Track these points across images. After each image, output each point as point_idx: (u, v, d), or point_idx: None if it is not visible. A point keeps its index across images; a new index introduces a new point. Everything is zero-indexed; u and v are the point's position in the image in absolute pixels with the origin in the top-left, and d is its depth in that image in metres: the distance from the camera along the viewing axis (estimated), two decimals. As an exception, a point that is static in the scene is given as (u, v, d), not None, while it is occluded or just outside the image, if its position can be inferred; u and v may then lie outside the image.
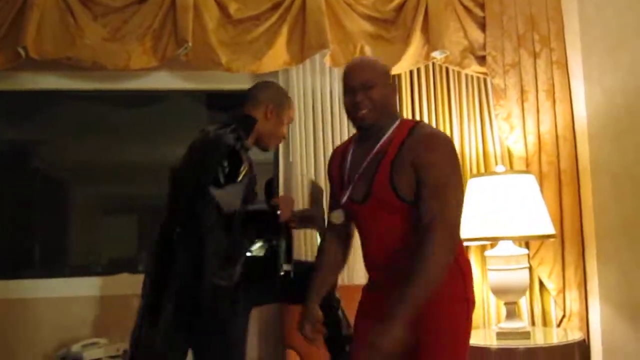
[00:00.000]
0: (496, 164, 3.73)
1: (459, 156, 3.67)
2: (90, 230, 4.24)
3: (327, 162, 2.42)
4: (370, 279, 2.28)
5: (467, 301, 2.13)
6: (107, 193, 4.31)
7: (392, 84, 2.27)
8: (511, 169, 3.72)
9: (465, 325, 2.12)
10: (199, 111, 4.24)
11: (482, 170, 3.74)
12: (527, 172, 3.56)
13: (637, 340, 3.48)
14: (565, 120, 3.80)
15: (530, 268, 3.57)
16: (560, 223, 3.69)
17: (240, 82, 3.70)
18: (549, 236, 3.41)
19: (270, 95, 2.74)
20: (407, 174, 2.05)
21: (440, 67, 3.78)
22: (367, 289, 2.27)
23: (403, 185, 2.05)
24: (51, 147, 4.13)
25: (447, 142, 2.13)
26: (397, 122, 2.18)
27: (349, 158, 2.24)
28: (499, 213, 3.33)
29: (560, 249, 3.68)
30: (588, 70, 3.76)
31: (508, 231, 3.31)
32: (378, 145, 2.14)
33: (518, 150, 3.75)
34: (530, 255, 3.64)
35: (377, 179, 2.09)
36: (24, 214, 4.02)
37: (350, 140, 2.33)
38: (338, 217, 2.29)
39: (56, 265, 4.03)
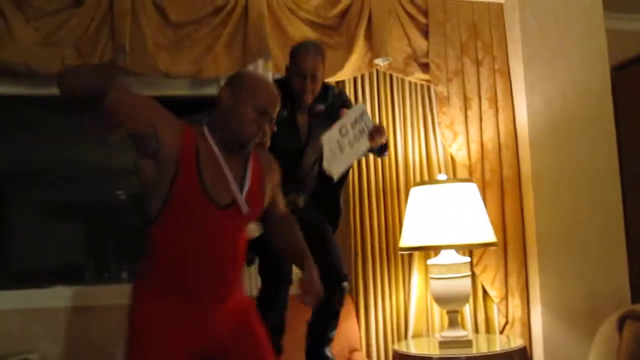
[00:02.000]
0: (439, 171, 3.73)
1: (402, 164, 3.69)
2: (31, 239, 4.10)
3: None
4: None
5: None
6: (47, 199, 4.17)
7: None
8: (454, 176, 3.73)
9: None
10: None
11: (426, 177, 3.73)
12: (469, 180, 3.57)
13: (577, 345, 3.54)
14: (507, 128, 3.83)
15: (473, 276, 3.58)
16: (502, 230, 3.71)
17: (180, 88, 3.63)
18: (491, 244, 3.42)
19: None
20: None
21: (384, 74, 3.76)
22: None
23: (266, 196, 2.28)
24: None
25: None
26: None
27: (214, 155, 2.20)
28: (441, 222, 3.32)
29: (503, 257, 3.71)
30: (529, 79, 3.79)
31: (450, 239, 3.31)
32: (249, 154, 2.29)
33: (461, 157, 3.76)
34: (474, 263, 3.65)
35: (251, 187, 2.23)
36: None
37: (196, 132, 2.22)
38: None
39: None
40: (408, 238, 3.42)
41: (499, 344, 3.48)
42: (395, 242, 3.60)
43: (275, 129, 2.23)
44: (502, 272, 3.69)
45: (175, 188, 2.00)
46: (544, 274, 3.66)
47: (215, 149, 2.11)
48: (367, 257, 3.59)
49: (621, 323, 2.83)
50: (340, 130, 2.77)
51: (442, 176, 3.56)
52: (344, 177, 3.05)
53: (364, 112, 2.82)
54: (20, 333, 3.40)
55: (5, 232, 3.97)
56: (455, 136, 3.76)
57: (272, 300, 2.93)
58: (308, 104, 2.89)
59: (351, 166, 3.25)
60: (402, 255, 3.65)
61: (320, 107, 2.93)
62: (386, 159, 3.67)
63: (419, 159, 3.75)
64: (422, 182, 3.59)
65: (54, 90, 3.56)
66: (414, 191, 3.48)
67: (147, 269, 2.08)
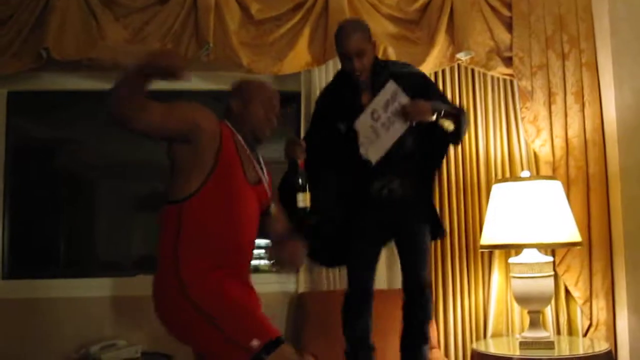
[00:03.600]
0: (522, 168, 3.64)
1: (484, 160, 3.62)
2: (117, 229, 4.24)
3: None
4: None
5: None
6: (133, 192, 4.30)
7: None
8: (537, 173, 3.64)
9: None
10: (221, 112, 4.20)
11: (508, 174, 3.65)
12: (553, 177, 3.46)
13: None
14: (594, 123, 3.69)
15: (555, 276, 3.48)
16: (587, 229, 3.59)
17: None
18: (575, 243, 3.32)
19: None
20: None
21: (466, 68, 3.71)
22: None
23: None
24: (75, 146, 4.14)
25: None
26: None
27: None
28: (524, 220, 3.25)
29: (588, 257, 3.59)
30: (618, 73, 3.64)
31: (533, 238, 3.23)
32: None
33: (545, 154, 3.66)
34: (556, 263, 3.55)
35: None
36: (50, 213, 4.03)
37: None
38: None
39: (82, 264, 4.03)
40: (489, 236, 3.36)
41: (582, 347, 3.38)
42: (476, 239, 3.54)
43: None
44: (586, 273, 3.57)
45: (221, 161, 2.27)
46: (631, 276, 3.52)
47: (241, 140, 2.41)
48: (446, 254, 3.56)
49: None
50: (372, 115, 2.76)
51: (525, 173, 3.47)
52: (431, 176, 3.03)
53: (396, 91, 2.74)
54: (108, 320, 3.55)
55: (94, 222, 4.13)
56: (538, 132, 3.67)
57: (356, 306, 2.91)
58: (366, 81, 2.85)
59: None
60: (482, 253, 3.59)
61: (381, 78, 2.84)
62: (467, 155, 3.61)
63: (501, 155, 3.68)
64: (505, 179, 3.51)
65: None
66: (496, 188, 3.41)
67: (184, 246, 2.22)
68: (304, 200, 2.65)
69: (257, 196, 2.42)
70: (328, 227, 2.93)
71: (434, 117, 2.73)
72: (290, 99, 3.73)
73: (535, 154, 3.69)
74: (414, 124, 2.75)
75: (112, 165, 4.07)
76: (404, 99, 2.73)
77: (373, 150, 2.79)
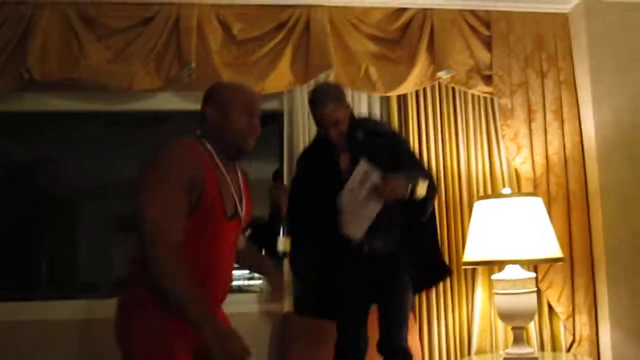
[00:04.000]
0: (503, 185, 3.67)
1: (465, 177, 3.64)
2: (98, 250, 4.21)
3: None
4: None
5: None
6: (113, 213, 4.28)
7: None
8: (519, 190, 3.67)
9: None
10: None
11: (489, 191, 3.68)
12: (534, 194, 3.49)
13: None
14: (573, 140, 3.74)
15: (538, 292, 3.50)
16: (569, 246, 3.62)
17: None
18: (557, 259, 3.34)
19: None
20: None
21: (446, 87, 3.74)
22: None
23: None
24: (56, 167, 4.12)
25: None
26: None
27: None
28: (506, 236, 3.27)
29: (570, 272, 3.62)
30: (596, 90, 3.70)
31: (515, 254, 3.25)
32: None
33: (525, 171, 3.69)
34: (539, 279, 3.57)
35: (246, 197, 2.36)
36: (30, 234, 4.00)
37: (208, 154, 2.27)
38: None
39: (63, 285, 3.99)
40: (472, 252, 3.37)
41: (566, 363, 3.39)
42: (459, 256, 3.55)
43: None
44: (568, 289, 3.60)
45: (203, 202, 2.06)
46: (614, 292, 3.55)
47: (219, 162, 2.18)
48: (429, 272, 3.56)
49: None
50: (351, 191, 2.77)
51: (506, 190, 3.50)
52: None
53: (368, 170, 2.75)
54: (86, 343, 3.49)
55: (75, 243, 4.10)
56: (519, 149, 3.70)
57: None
58: (342, 143, 2.87)
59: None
60: (465, 270, 3.60)
61: (358, 135, 2.89)
62: (449, 172, 3.64)
63: (483, 172, 3.70)
64: (486, 196, 3.53)
65: (122, 106, 3.73)
66: (478, 205, 3.44)
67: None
68: (284, 244, 2.69)
69: (234, 228, 2.23)
70: (310, 282, 3.00)
71: (409, 190, 2.73)
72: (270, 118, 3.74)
73: (516, 171, 3.73)
74: (387, 202, 2.75)
75: (93, 185, 4.05)
76: (376, 177, 2.74)
77: (354, 228, 2.80)
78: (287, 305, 3.49)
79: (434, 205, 3.04)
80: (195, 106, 3.71)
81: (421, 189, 2.73)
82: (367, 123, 3.07)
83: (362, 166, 2.78)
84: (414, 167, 2.91)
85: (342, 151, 2.90)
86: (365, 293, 2.90)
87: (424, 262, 3.00)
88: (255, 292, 3.78)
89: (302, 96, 3.62)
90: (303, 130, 3.57)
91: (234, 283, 4.26)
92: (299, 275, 3.09)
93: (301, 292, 3.17)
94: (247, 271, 4.07)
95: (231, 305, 3.70)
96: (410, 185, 2.71)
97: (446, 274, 3.15)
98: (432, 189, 2.86)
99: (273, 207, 2.72)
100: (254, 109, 2.26)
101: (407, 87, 3.62)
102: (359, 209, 2.77)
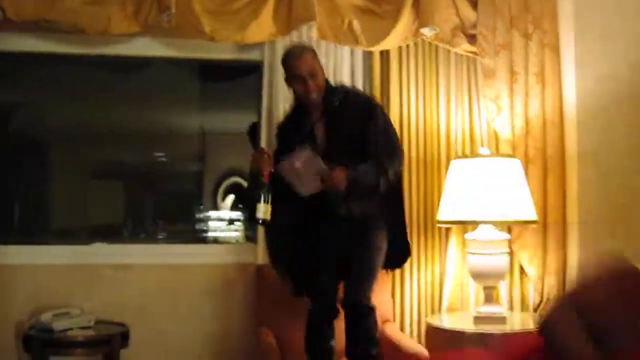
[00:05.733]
0: (482, 145, 3.67)
1: (445, 136, 3.63)
2: (72, 196, 4.18)
3: None
4: None
5: None
6: (88, 158, 4.24)
7: None
8: (497, 151, 3.67)
9: None
10: (183, 79, 4.15)
11: (468, 151, 3.68)
12: (512, 156, 3.50)
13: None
14: (554, 105, 3.73)
15: (511, 253, 3.53)
16: (544, 209, 3.64)
17: (224, 52, 3.63)
18: (531, 222, 3.37)
19: None
20: None
21: (430, 45, 3.70)
22: None
23: None
24: (30, 110, 4.04)
25: None
26: None
27: None
28: (482, 196, 3.28)
29: (543, 235, 3.64)
30: (580, 55, 3.68)
31: (490, 215, 3.27)
32: None
33: (505, 133, 3.69)
34: (512, 240, 3.60)
35: None
36: (3, 178, 3.94)
37: None
38: None
39: (36, 231, 3.97)
40: (446, 212, 3.39)
41: (533, 322, 3.44)
42: (434, 215, 3.56)
43: None
44: (540, 251, 3.63)
45: None
46: (584, 255, 3.58)
47: None
48: (404, 229, 3.57)
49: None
50: (293, 163, 2.77)
51: (484, 150, 3.50)
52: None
53: (310, 155, 2.77)
54: (61, 288, 3.49)
55: (49, 190, 4.05)
56: (499, 110, 3.69)
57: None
58: (319, 102, 2.88)
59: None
60: (439, 228, 3.62)
61: (334, 100, 2.90)
62: (428, 130, 3.63)
63: (462, 133, 3.70)
64: (464, 156, 3.53)
65: (99, 50, 3.64)
66: (455, 164, 3.44)
67: None
68: (264, 212, 2.71)
69: None
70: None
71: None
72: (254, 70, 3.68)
73: (495, 132, 3.72)
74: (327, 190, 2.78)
75: (69, 129, 4.00)
76: (318, 163, 2.76)
77: (308, 189, 2.80)
78: (260, 259, 3.50)
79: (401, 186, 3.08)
80: (174, 53, 3.72)
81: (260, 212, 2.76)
82: (343, 90, 3.04)
83: (305, 150, 2.78)
84: (381, 150, 2.90)
85: (317, 121, 2.91)
86: (335, 255, 2.93)
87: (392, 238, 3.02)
88: (230, 243, 3.78)
89: (283, 48, 3.56)
90: (283, 83, 3.50)
91: (210, 234, 4.27)
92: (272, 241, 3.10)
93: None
94: (222, 223, 4.07)
95: (206, 257, 3.77)
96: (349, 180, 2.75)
97: (407, 257, 3.17)
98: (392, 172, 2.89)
99: (253, 173, 2.72)
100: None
101: (391, 42, 3.57)
102: (303, 178, 2.78)
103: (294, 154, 2.78)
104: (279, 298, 3.33)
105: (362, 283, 2.87)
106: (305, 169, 2.76)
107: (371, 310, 2.85)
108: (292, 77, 2.88)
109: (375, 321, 2.87)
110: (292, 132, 2.99)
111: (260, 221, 2.73)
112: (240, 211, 3.06)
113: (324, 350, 2.90)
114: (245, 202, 2.82)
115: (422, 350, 3.08)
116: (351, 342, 2.84)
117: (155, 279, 3.59)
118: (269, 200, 2.72)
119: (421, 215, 3.58)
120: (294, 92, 2.94)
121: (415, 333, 3.58)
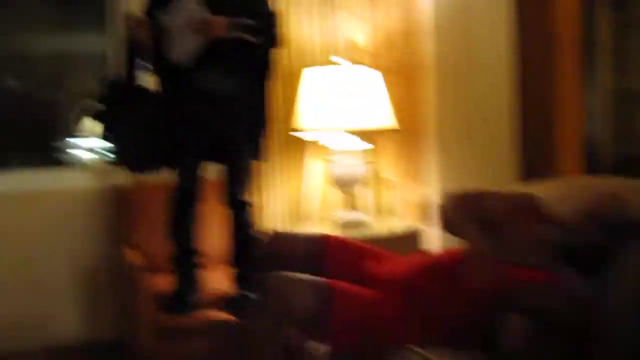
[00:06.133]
0: (338, 55, 3.65)
1: (300, 44, 3.59)
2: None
3: None
4: None
5: None
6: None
7: None
8: (355, 61, 3.68)
9: None
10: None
11: (324, 60, 3.66)
12: (370, 65, 3.54)
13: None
14: (410, 14, 3.77)
15: (371, 161, 3.61)
16: (402, 117, 3.72)
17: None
18: (390, 130, 3.44)
19: None
20: None
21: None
22: None
23: None
24: None
25: None
26: None
27: None
28: (339, 105, 3.30)
29: (401, 143, 3.74)
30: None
31: (349, 124, 3.31)
32: None
33: (362, 42, 3.70)
34: (372, 148, 3.66)
35: None
36: None
37: None
38: None
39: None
40: (304, 120, 3.39)
41: (394, 227, 3.56)
42: (293, 123, 3.55)
43: None
44: (400, 158, 3.74)
45: None
46: (443, 160, 3.72)
47: None
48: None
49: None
50: (177, 15, 2.70)
51: (339, 59, 3.50)
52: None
53: (197, 9, 2.71)
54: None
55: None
56: (357, 19, 3.69)
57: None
58: None
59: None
60: (300, 139, 3.62)
61: None
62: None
63: (320, 42, 3.65)
64: (321, 64, 3.52)
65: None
66: (309, 72, 3.43)
67: None
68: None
69: None
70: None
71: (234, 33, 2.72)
72: None
73: (352, 42, 3.72)
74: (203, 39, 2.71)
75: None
76: (199, 13, 2.69)
77: (180, 52, 2.73)
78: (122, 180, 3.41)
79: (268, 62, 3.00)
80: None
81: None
82: None
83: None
84: (262, 15, 2.88)
85: None
86: (200, 138, 2.88)
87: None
88: (89, 167, 3.66)
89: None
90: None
91: (69, 159, 4.02)
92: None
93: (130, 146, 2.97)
94: (82, 147, 3.87)
95: (63, 181, 3.63)
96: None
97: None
98: (269, 39, 2.87)
99: (131, 42, 2.63)
100: None
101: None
102: (185, 34, 2.70)
103: (177, 7, 2.69)
104: (143, 219, 3.30)
105: (239, 179, 2.92)
106: (187, 25, 2.68)
107: (249, 205, 2.94)
108: None
109: (252, 218, 2.97)
110: None
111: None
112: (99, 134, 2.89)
113: (189, 230, 2.88)
114: (101, 116, 2.69)
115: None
116: (232, 241, 2.91)
117: (13, 208, 3.46)
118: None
119: (279, 124, 3.53)
120: None
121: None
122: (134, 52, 2.72)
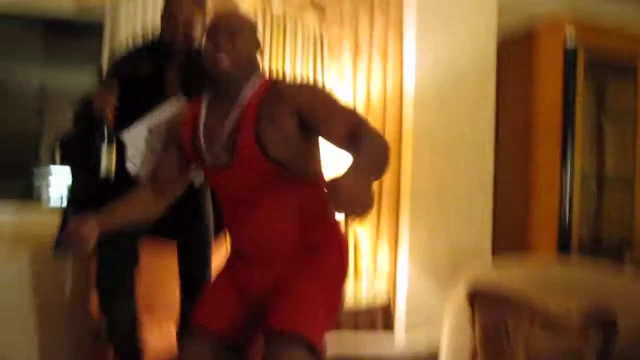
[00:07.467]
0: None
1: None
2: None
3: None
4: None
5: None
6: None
7: (258, 41, 2.05)
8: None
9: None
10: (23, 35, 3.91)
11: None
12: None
13: (438, 297, 3.67)
14: (394, 82, 3.86)
15: (346, 224, 3.65)
16: (379, 182, 3.77)
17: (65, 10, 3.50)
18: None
19: None
20: (280, 126, 1.88)
21: (278, 18, 3.70)
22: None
23: (272, 141, 1.89)
24: None
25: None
26: (256, 80, 1.98)
27: (202, 123, 2.02)
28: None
29: (377, 207, 3.79)
30: (421, 34, 3.82)
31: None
32: (237, 106, 1.94)
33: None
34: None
35: (241, 140, 1.91)
36: None
37: (200, 103, 2.06)
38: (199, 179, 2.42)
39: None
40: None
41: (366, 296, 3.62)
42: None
43: None
44: (375, 223, 3.79)
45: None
46: (414, 228, 3.79)
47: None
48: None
49: (472, 299, 2.77)
50: (150, 130, 2.39)
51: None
52: None
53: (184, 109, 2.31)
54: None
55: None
56: (342, 81, 3.78)
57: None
58: (180, 49, 2.53)
59: None
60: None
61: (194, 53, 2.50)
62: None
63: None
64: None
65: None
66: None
67: None
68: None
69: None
70: None
71: None
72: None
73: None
74: None
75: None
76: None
77: (145, 164, 2.41)
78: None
79: None
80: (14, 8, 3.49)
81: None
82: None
83: (177, 103, 2.41)
84: None
85: (172, 70, 2.55)
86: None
87: None
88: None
89: (128, 10, 3.44)
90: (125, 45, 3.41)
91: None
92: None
93: None
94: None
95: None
96: None
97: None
98: None
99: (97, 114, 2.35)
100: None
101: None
102: (155, 145, 2.38)
103: (154, 114, 2.41)
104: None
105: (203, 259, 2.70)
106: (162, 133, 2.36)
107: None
108: (168, 14, 2.52)
109: None
110: (138, 66, 2.57)
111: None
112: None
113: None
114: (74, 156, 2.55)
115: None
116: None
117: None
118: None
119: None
120: (162, 28, 2.56)
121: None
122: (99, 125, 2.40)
